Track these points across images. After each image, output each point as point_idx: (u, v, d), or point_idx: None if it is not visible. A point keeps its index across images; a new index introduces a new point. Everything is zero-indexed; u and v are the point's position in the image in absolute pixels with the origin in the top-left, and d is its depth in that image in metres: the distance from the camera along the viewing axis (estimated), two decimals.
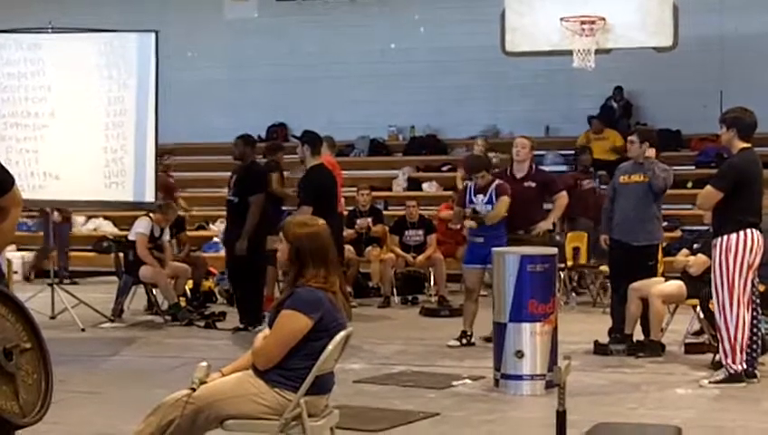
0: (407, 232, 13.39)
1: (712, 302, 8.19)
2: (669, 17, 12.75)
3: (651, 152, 9.42)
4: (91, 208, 15.87)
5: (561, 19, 12.81)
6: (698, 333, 9.71)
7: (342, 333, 4.94)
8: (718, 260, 7.90)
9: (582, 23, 12.76)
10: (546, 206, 10.57)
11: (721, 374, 7.98)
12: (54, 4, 16.72)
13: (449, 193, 14.90)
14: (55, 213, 13.82)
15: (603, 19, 12.79)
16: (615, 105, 17.51)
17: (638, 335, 9.34)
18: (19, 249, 15.67)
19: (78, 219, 16.87)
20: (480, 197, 9.81)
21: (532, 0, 13.12)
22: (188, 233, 13.65)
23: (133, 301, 12.00)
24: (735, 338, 7.86)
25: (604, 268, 11.40)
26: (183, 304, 11.70)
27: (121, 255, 12.06)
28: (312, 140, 10.32)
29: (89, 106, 11.31)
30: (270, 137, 18.06)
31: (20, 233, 14.31)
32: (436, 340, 10.10)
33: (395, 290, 13.19)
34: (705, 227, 9.23)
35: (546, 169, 13.15)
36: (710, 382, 7.99)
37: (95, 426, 6.99)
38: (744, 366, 7.95)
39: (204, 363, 4.99)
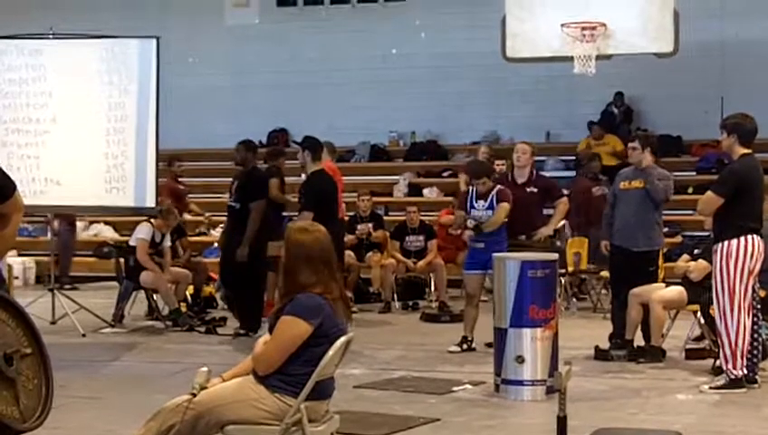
0: (407, 238, 13.39)
1: (712, 307, 8.19)
2: (670, 23, 12.77)
3: (650, 158, 9.44)
4: (92, 214, 15.88)
5: (562, 25, 12.84)
6: (699, 339, 9.71)
7: (343, 339, 4.94)
8: (719, 266, 7.90)
9: (583, 28, 12.78)
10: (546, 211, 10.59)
11: (722, 380, 7.98)
12: (56, 10, 16.73)
13: (450, 199, 14.91)
14: (55, 222, 13.82)
15: (604, 25, 12.81)
16: (616, 111, 17.52)
17: (639, 341, 9.35)
18: (20, 255, 15.69)
19: (78, 225, 16.85)
20: (481, 202, 9.81)
21: (533, 6, 13.14)
22: (189, 238, 13.65)
23: (134, 306, 12.00)
24: (736, 344, 7.86)
25: (605, 274, 11.41)
26: (184, 309, 11.69)
27: (122, 260, 12.07)
28: (312, 145, 10.32)
29: (90, 112, 11.34)
30: (271, 142, 18.09)
31: (21, 238, 14.34)
32: (436, 345, 10.11)
33: (395, 295, 13.20)
34: (706, 233, 9.22)
35: (547, 174, 13.15)
36: (711, 388, 7.99)
37: (95, 431, 6.99)
38: (745, 372, 7.95)
39: (204, 369, 5.00)
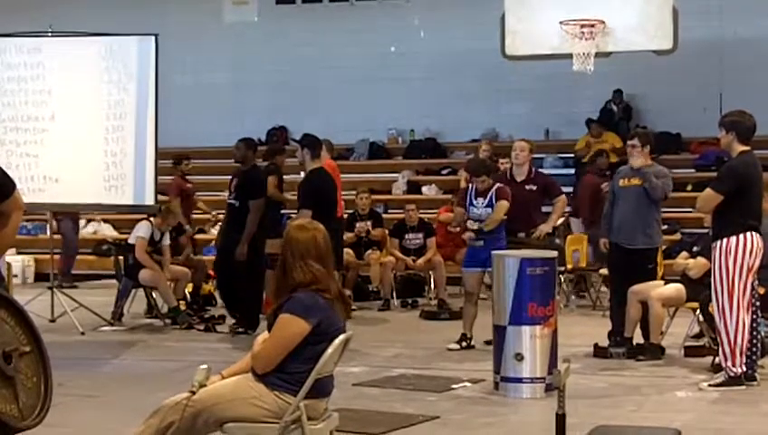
0: (406, 235, 13.39)
1: (712, 305, 8.19)
2: (669, 21, 12.77)
3: (641, 161, 9.44)
4: (91, 212, 15.87)
5: (561, 22, 12.83)
6: (698, 336, 9.71)
7: (342, 337, 4.95)
8: (718, 263, 7.90)
9: (582, 26, 12.77)
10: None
11: (721, 377, 7.98)
12: (54, 7, 16.73)
13: (449, 196, 14.91)
14: (53, 221, 13.80)
15: (603, 22, 12.81)
16: (615, 108, 17.51)
17: (638, 338, 9.35)
18: (19, 253, 15.69)
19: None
20: (480, 200, 9.81)
21: (533, 4, 13.14)
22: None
23: (133, 304, 12.00)
24: (735, 341, 7.86)
25: (604, 271, 11.41)
26: (183, 307, 11.69)
27: (121, 258, 12.07)
28: (311, 143, 10.30)
29: (89, 110, 11.34)
30: (270, 140, 18.08)
31: (20, 236, 14.32)
32: (435, 343, 10.11)
33: (395, 293, 13.20)
34: (705, 230, 9.23)
35: (546, 172, 13.15)
36: (710, 385, 7.99)
37: (94, 429, 6.99)
38: (744, 369, 7.95)
39: (204, 366, 5.00)
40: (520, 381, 7.81)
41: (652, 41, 12.89)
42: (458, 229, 11.26)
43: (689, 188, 15.02)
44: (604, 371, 8.77)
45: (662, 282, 9.47)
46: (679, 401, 7.75)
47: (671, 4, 12.81)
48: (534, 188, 10.22)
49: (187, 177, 13.74)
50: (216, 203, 15.21)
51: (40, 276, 15.37)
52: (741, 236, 7.84)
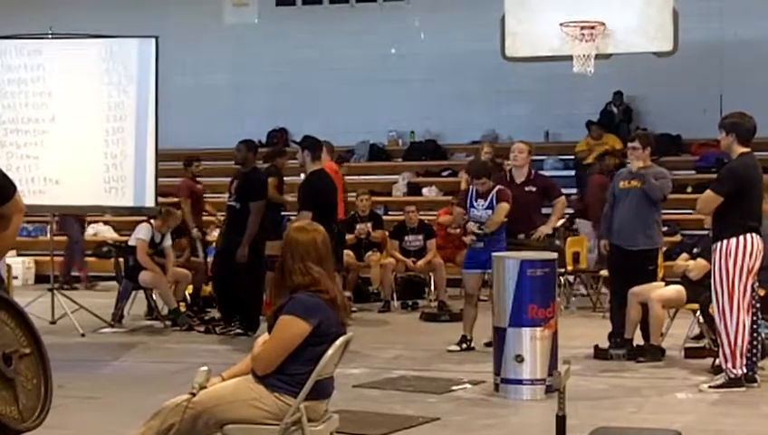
0: (406, 237, 13.39)
1: (712, 306, 8.19)
2: (669, 22, 12.76)
3: (639, 164, 9.44)
4: (92, 214, 15.87)
5: (561, 24, 12.82)
6: (698, 338, 9.71)
7: (342, 338, 4.95)
8: (718, 265, 7.90)
9: (582, 28, 12.76)
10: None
11: (721, 379, 7.98)
12: (55, 9, 16.73)
13: (449, 198, 14.89)
14: (54, 225, 13.82)
15: (603, 24, 12.80)
16: (615, 110, 17.51)
17: (638, 340, 9.35)
18: (19, 254, 15.69)
19: None
20: (480, 202, 9.82)
21: (533, 5, 13.13)
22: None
23: (133, 306, 12.00)
24: (735, 342, 7.86)
25: (604, 273, 11.41)
26: (183, 309, 11.70)
27: (121, 260, 12.07)
28: (312, 145, 10.30)
29: (89, 112, 11.34)
30: (270, 142, 18.08)
31: (20, 238, 14.32)
32: (436, 345, 10.11)
33: (395, 295, 13.20)
34: (705, 232, 9.23)
35: (546, 174, 13.15)
36: (710, 387, 7.99)
37: (95, 431, 6.99)
38: (744, 371, 7.95)
39: (204, 368, 5.00)
40: (520, 382, 7.81)
41: (652, 42, 12.89)
42: (458, 230, 11.26)
43: (689, 189, 15.02)
44: (604, 372, 8.77)
45: (662, 283, 9.47)
46: (679, 403, 7.75)
47: (671, 5, 12.81)
48: (534, 189, 10.22)
49: (198, 178, 13.75)
50: (216, 205, 15.21)
51: (40, 278, 15.37)
52: (741, 237, 7.84)
